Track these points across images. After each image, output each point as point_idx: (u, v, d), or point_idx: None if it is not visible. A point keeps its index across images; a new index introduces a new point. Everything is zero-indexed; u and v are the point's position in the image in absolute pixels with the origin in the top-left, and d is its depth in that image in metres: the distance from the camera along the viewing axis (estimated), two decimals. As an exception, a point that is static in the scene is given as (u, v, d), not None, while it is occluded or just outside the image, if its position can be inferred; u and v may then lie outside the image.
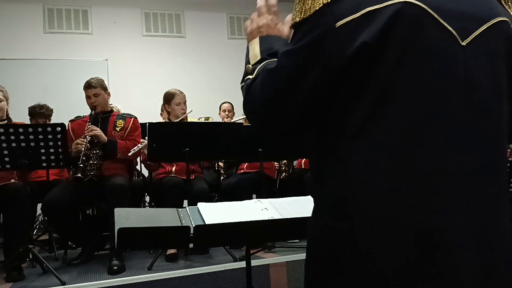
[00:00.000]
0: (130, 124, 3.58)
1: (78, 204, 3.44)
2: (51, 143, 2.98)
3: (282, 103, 0.89)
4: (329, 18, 0.81)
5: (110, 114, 3.61)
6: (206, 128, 3.48)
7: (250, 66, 1.02)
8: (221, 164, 4.45)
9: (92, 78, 3.57)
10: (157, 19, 6.22)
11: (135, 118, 3.66)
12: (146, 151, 3.35)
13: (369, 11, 0.80)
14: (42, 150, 2.98)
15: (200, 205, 1.90)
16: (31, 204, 3.29)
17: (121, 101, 4.99)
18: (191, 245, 1.75)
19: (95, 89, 3.49)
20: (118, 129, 3.53)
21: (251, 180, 3.83)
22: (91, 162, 3.33)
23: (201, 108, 4.95)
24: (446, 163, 0.82)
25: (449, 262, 0.80)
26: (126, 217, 1.72)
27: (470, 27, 0.86)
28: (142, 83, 5.91)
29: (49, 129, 2.99)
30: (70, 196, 3.18)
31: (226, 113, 5.09)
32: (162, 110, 3.96)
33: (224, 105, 5.17)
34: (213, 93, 5.88)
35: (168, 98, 3.81)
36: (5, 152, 2.91)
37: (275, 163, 4.06)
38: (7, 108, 3.42)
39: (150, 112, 4.53)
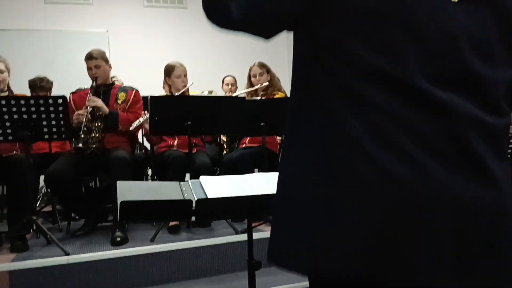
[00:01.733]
0: (132, 97, 3.56)
1: (80, 176, 3.46)
2: (53, 115, 2.98)
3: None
4: None
5: (111, 87, 3.59)
6: (208, 101, 3.46)
7: None
8: (223, 138, 4.44)
9: (93, 49, 3.53)
10: (159, -11, 6.12)
11: (137, 90, 3.64)
12: (147, 125, 3.33)
13: None
14: (44, 122, 2.98)
15: (202, 178, 1.90)
16: (34, 175, 3.31)
17: (122, 73, 4.96)
18: (193, 218, 1.76)
19: (96, 61, 3.46)
20: (119, 101, 3.52)
21: (253, 155, 3.83)
22: (93, 135, 3.33)
23: (204, 81, 4.91)
24: (431, 126, 0.79)
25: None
26: (128, 190, 1.73)
27: None
28: (143, 55, 5.85)
29: (50, 101, 2.97)
30: (73, 168, 3.19)
31: (229, 86, 5.05)
32: (164, 83, 3.93)
33: (227, 78, 5.13)
34: (216, 66, 5.82)
35: (169, 70, 3.77)
36: (7, 124, 2.91)
37: (278, 137, 4.05)
38: (8, 80, 3.40)
39: (151, 84, 4.50)
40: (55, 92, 4.13)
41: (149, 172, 4.17)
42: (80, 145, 3.18)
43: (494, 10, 0.85)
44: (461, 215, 0.79)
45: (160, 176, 3.75)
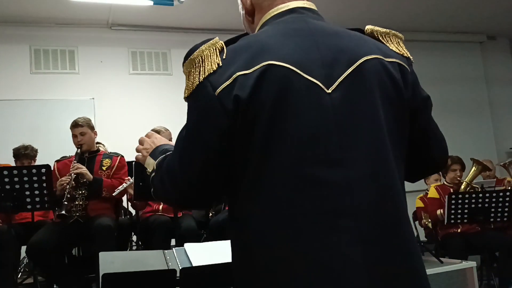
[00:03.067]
0: (117, 163, 3.56)
1: (63, 246, 3.37)
2: (36, 185, 2.95)
3: (193, 175, 0.97)
4: (209, 89, 0.94)
5: (96, 154, 3.60)
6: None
7: (149, 171, 1.10)
8: (209, 200, 4.40)
9: (79, 117, 3.58)
10: (144, 57, 6.27)
11: (122, 156, 3.65)
12: (131, 190, 3.31)
13: (239, 75, 0.92)
14: (27, 192, 2.95)
15: (187, 246, 1.88)
16: (15, 247, 3.22)
17: (108, 139, 4.97)
18: (177, 289, 1.72)
19: (81, 128, 3.49)
20: (104, 168, 3.52)
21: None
22: (76, 202, 3.29)
23: (189, 145, 4.94)
24: (325, 202, 0.90)
25: None
26: (111, 261, 1.69)
27: (336, 74, 0.95)
28: (129, 121, 5.90)
29: (34, 170, 2.96)
30: (55, 238, 3.12)
31: (214, 149, 5.08)
32: (149, 148, 3.94)
33: (212, 140, 5.17)
34: (201, 129, 5.88)
35: (154, 136, 3.79)
36: (-11, 195, 2.87)
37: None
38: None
39: (137, 149, 4.50)
40: (40, 160, 4.11)
41: (134, 238, 4.08)
42: (63, 212, 3.13)
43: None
44: None
45: (145, 242, 3.67)
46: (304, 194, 0.90)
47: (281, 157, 0.91)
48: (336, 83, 0.94)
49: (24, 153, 4.19)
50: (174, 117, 5.88)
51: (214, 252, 1.87)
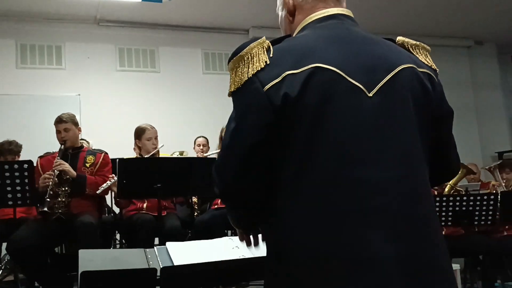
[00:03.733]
0: (100, 160, 3.52)
1: (45, 244, 3.31)
2: (18, 181, 2.91)
3: (236, 167, 1.03)
4: (257, 85, 1.00)
5: (80, 150, 3.55)
6: (178, 163, 3.45)
7: None
8: (194, 199, 4.38)
9: (63, 113, 3.53)
10: (131, 54, 6.22)
11: (106, 153, 3.60)
12: (115, 188, 3.27)
13: (288, 74, 0.98)
14: (9, 188, 2.91)
15: (169, 244, 1.85)
16: (-4, 244, 3.17)
17: (93, 136, 4.92)
18: (157, 288, 1.69)
19: (65, 124, 3.45)
20: (88, 165, 3.47)
21: (225, 216, 3.75)
22: (59, 199, 3.24)
23: (176, 143, 4.91)
24: (361, 200, 0.95)
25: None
26: (90, 259, 1.67)
27: (376, 79, 1.02)
28: (115, 118, 5.84)
29: (16, 166, 2.92)
30: (37, 235, 3.07)
31: (201, 147, 5.05)
32: (134, 145, 3.91)
33: (199, 139, 5.15)
34: (188, 128, 5.85)
35: (139, 133, 3.77)
36: (-30, 190, 2.81)
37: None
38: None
39: (123, 147, 4.46)
40: (24, 156, 4.04)
41: (118, 236, 4.04)
42: (46, 209, 3.08)
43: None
44: None
45: (128, 240, 3.63)
46: (342, 192, 0.96)
47: (321, 156, 0.97)
48: (377, 88, 1.01)
49: (8, 149, 4.12)
50: (160, 115, 5.87)
51: (197, 252, 1.85)
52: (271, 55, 1.02)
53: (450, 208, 3.58)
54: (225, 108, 5.89)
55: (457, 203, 3.57)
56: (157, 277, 1.62)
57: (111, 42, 6.13)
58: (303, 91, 0.97)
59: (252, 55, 1.03)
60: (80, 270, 1.56)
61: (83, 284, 1.55)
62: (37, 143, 4.74)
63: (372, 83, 1.01)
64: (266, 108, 0.98)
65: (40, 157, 3.56)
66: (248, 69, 1.02)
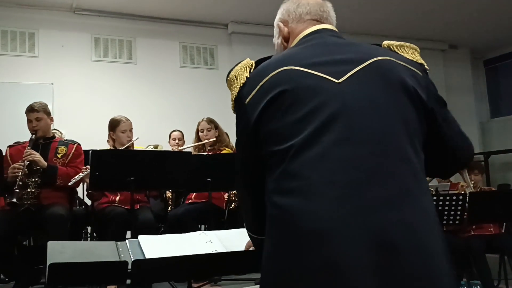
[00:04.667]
0: (73, 151, 3.45)
1: (13, 235, 3.24)
2: (-15, 170, 2.82)
3: (243, 171, 1.25)
4: (242, 99, 1.17)
5: (51, 140, 3.48)
6: (152, 156, 3.40)
7: None
8: (168, 193, 4.34)
9: (35, 102, 3.45)
10: (108, 44, 6.11)
11: (78, 144, 3.54)
12: (88, 180, 3.21)
13: (261, 85, 1.13)
14: (-25, 177, 2.81)
15: (141, 238, 1.83)
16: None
17: (66, 127, 4.82)
18: (128, 281, 1.67)
19: (37, 113, 3.37)
20: (59, 155, 3.40)
21: (199, 211, 3.75)
22: (28, 190, 3.17)
23: (151, 136, 4.85)
24: (332, 177, 1.02)
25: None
26: (60, 251, 1.63)
27: (346, 69, 1.11)
28: (89, 109, 5.73)
29: (-17, 155, 2.82)
30: (5, 226, 3.01)
31: (176, 141, 5.01)
32: (108, 137, 3.85)
33: (174, 133, 5.10)
34: (164, 121, 5.79)
35: (113, 125, 3.71)
36: None
37: (224, 193, 4.01)
38: None
39: (96, 139, 4.38)
40: (-6, 145, 3.93)
41: (89, 229, 3.97)
42: (14, 200, 3.01)
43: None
44: None
45: (100, 234, 3.57)
46: (318, 170, 1.02)
47: (294, 141, 1.06)
48: (346, 76, 1.09)
49: (-24, 137, 4.01)
50: (136, 107, 5.79)
51: (170, 245, 1.83)
52: (251, 71, 1.18)
53: (420, 207, 3.63)
54: (201, 102, 5.92)
55: (428, 203, 3.63)
56: (128, 270, 1.60)
57: (86, 31, 6.01)
58: (272, 93, 1.10)
59: (236, 76, 1.19)
60: (49, 262, 1.52)
61: (51, 277, 1.51)
62: (7, 132, 4.62)
63: (341, 73, 1.10)
64: (249, 119, 1.14)
65: (10, 146, 3.46)
66: (234, 89, 1.19)
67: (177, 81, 6.31)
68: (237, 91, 1.17)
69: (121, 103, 5.76)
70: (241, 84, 1.17)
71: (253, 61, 1.21)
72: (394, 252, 0.97)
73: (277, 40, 1.36)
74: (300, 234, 1.00)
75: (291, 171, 1.05)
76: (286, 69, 1.11)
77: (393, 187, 1.02)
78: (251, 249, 1.53)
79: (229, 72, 1.22)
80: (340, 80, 1.08)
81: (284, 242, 1.03)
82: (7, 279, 3.51)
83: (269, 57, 1.23)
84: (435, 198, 3.68)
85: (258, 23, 6.08)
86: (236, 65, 1.21)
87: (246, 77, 1.17)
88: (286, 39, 1.32)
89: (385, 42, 1.25)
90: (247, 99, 1.15)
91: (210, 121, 4.23)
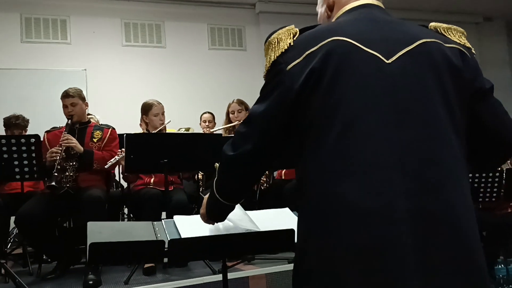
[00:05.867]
0: (108, 135, 3.53)
1: (53, 217, 3.36)
2: (25, 155, 2.93)
3: (263, 138, 1.15)
4: (282, 66, 1.11)
5: (87, 125, 3.56)
6: (184, 138, 3.45)
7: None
8: (200, 175, 4.41)
9: (70, 88, 3.52)
10: (137, 29, 6.18)
11: (113, 128, 3.61)
12: (123, 163, 3.29)
13: (308, 53, 1.08)
14: (16, 162, 2.92)
15: (176, 218, 1.87)
16: (4, 217, 3.21)
17: (99, 111, 4.93)
18: (165, 260, 1.71)
19: (72, 99, 3.45)
20: (95, 140, 3.48)
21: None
22: (66, 174, 3.27)
23: (182, 119, 4.91)
24: (379, 158, 1.01)
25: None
26: (99, 231, 1.68)
27: (396, 49, 1.09)
28: (121, 94, 5.84)
29: (23, 140, 2.93)
30: (45, 209, 3.10)
31: (207, 123, 5.06)
32: (141, 121, 3.92)
33: (205, 115, 5.15)
34: (193, 103, 5.84)
35: (146, 109, 3.77)
36: (-22, 164, 2.84)
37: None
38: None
39: (129, 122, 4.48)
40: (31, 130, 4.07)
41: (126, 211, 4.08)
42: (53, 183, 3.11)
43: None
44: None
45: (136, 214, 3.67)
46: (365, 151, 1.02)
47: (339, 118, 1.04)
48: (396, 56, 1.07)
49: (15, 123, 4.14)
50: (166, 91, 5.87)
51: (204, 225, 1.86)
52: (295, 39, 1.13)
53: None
54: (231, 83, 5.92)
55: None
56: (165, 249, 1.65)
57: (116, 16, 6.09)
58: (322, 62, 1.05)
59: (278, 40, 1.13)
60: (89, 241, 1.58)
61: (91, 256, 1.57)
62: (42, 118, 4.75)
63: (391, 52, 1.08)
64: (289, 88, 1.08)
65: (47, 131, 3.57)
66: (274, 52, 1.13)
67: (206, 63, 6.33)
68: (277, 55, 1.12)
69: (152, 87, 5.84)
70: (284, 49, 1.11)
71: (297, 29, 1.15)
72: (439, 233, 0.99)
73: (320, 8, 1.31)
74: (349, 212, 1.00)
75: (336, 150, 1.03)
76: (337, 39, 1.07)
77: (438, 171, 1.03)
78: (201, 211, 1.55)
79: (271, 34, 1.16)
80: (390, 61, 1.07)
81: (331, 220, 1.02)
82: (49, 260, 3.66)
83: (313, 26, 1.18)
84: (471, 175, 3.61)
85: (286, 1, 6.01)
86: (280, 28, 1.15)
87: (289, 43, 1.11)
88: (331, 7, 1.27)
89: (432, 24, 1.22)
90: (290, 66, 1.09)
91: (241, 102, 4.24)
